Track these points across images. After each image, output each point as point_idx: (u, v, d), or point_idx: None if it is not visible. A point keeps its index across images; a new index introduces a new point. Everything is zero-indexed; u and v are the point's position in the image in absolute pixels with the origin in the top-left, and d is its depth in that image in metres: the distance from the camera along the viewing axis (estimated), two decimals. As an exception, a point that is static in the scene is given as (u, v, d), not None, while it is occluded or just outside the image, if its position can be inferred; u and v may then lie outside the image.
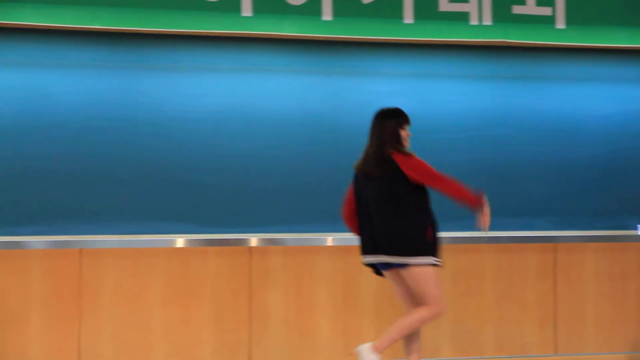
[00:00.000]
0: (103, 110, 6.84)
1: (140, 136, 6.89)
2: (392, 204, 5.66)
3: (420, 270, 5.64)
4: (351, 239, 6.57)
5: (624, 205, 7.69)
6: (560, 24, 7.34)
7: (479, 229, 5.78)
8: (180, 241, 6.89)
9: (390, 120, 5.78)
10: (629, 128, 7.73)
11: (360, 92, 7.24)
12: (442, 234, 7.19)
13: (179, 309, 6.94)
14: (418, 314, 5.71)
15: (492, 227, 7.32)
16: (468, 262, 7.40)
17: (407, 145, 5.79)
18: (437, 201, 7.27)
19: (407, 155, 5.69)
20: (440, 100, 7.40)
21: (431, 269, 5.68)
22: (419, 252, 5.64)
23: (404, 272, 5.70)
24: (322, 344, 7.14)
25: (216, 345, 6.99)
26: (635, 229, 7.63)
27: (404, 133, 5.77)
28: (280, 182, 7.06)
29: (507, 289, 7.47)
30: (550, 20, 7.33)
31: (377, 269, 5.92)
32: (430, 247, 5.68)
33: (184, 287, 6.95)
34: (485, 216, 5.75)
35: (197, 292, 6.97)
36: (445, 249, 7.26)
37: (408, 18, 7.07)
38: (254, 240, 6.99)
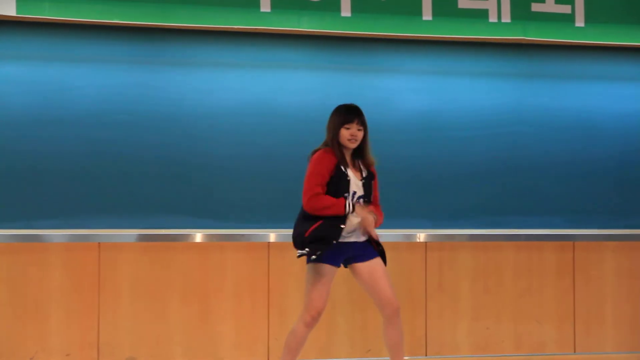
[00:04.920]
0: (121, 106, 6.87)
1: (159, 131, 6.91)
2: None
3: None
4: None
5: (642, 204, 7.69)
6: (580, 22, 7.33)
7: None
8: (198, 236, 6.90)
9: (331, 117, 5.61)
10: (647, 126, 7.73)
11: (378, 89, 7.23)
12: (460, 232, 7.28)
13: (198, 304, 6.96)
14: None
15: (511, 225, 7.38)
16: (487, 260, 7.39)
17: (351, 145, 5.50)
18: (451, 199, 7.33)
19: (316, 152, 5.57)
20: (458, 98, 7.40)
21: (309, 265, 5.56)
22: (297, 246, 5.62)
23: None
24: (341, 340, 7.14)
25: (234, 340, 7.01)
26: (654, 227, 7.63)
27: (345, 132, 5.48)
28: (299, 178, 7.03)
29: (526, 287, 7.46)
30: (569, 18, 7.33)
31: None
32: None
33: (202, 282, 6.97)
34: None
35: (215, 287, 6.99)
36: (464, 247, 7.32)
37: (427, 15, 7.09)
38: (272, 235, 7.00)
